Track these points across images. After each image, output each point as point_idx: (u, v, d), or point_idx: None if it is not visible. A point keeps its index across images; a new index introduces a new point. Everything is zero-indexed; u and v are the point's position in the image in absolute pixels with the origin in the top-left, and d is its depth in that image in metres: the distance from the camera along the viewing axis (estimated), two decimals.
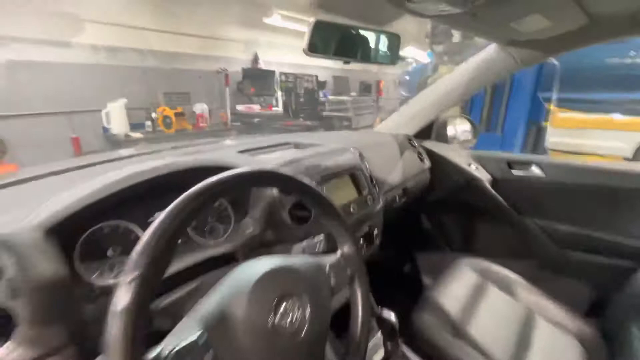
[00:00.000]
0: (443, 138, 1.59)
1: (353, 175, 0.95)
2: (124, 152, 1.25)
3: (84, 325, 0.48)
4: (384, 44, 0.75)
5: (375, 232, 0.95)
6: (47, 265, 0.45)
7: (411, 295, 1.51)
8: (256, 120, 4.54)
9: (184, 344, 0.36)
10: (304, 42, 0.62)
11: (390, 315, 0.80)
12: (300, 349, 0.45)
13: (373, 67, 8.60)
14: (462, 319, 0.97)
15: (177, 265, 0.64)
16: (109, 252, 0.60)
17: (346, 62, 0.74)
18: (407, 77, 4.47)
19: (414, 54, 5.49)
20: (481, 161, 1.44)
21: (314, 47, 0.64)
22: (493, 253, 1.42)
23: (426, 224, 1.61)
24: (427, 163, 1.42)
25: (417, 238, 1.65)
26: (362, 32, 0.68)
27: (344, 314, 0.61)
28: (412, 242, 1.65)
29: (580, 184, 1.26)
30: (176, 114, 3.99)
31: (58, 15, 3.31)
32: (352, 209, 0.88)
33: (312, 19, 0.60)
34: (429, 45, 3.48)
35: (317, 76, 4.46)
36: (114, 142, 3.69)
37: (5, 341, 0.42)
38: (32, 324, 0.42)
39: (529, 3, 0.75)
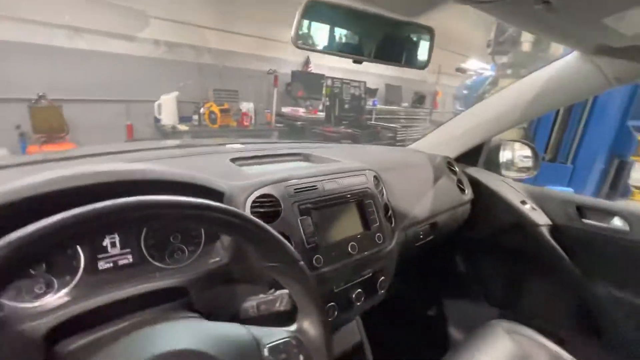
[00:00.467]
0: (494, 166, 1.31)
1: (361, 203, 0.76)
2: (169, 142, 1.19)
3: None
4: (409, 40, 0.55)
5: (382, 279, 0.75)
6: None
7: (435, 347, 1.26)
8: (299, 123, 4.48)
9: None
10: (292, 30, 0.45)
11: None
12: None
13: (431, 77, 8.14)
14: None
15: (113, 295, 0.51)
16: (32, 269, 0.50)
17: (357, 62, 0.55)
18: (465, 91, 4.06)
19: (477, 66, 5.02)
20: (540, 200, 1.14)
21: (305, 38, 0.47)
22: (542, 319, 1.11)
23: (461, 267, 1.33)
24: (469, 194, 1.16)
25: (448, 282, 1.38)
26: (376, 20, 0.50)
27: None
28: (442, 286, 1.39)
29: None
30: (222, 110, 4.08)
31: (127, 11, 3.55)
32: (350, 249, 0.68)
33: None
34: (490, 55, 3.01)
35: (365, 82, 4.26)
36: (163, 132, 3.87)
37: None
38: None
39: None
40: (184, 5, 3.92)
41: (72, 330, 0.47)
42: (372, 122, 4.90)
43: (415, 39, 0.55)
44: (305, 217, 0.64)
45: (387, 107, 6.19)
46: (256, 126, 4.55)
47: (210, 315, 0.55)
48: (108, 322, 0.50)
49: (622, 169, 3.09)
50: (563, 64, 0.93)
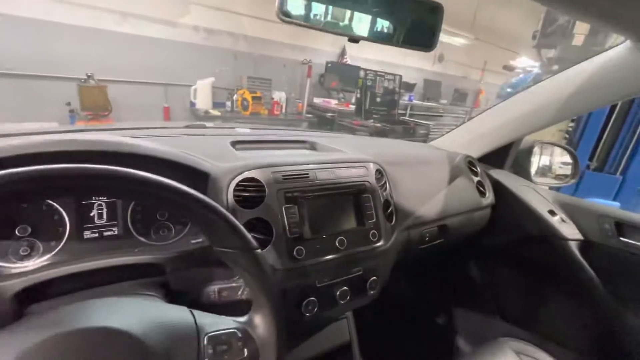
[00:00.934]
0: (523, 170, 1.19)
1: (357, 197, 0.71)
2: (179, 123, 1.22)
3: None
4: (414, 18, 0.48)
5: (373, 279, 0.70)
6: None
7: (439, 358, 1.19)
8: (329, 115, 4.42)
9: None
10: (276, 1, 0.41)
11: None
12: None
13: (475, 74, 7.67)
14: None
15: (90, 264, 0.52)
16: (18, 231, 0.52)
17: (352, 40, 0.50)
18: (509, 89, 3.74)
19: (527, 63, 4.62)
20: (572, 212, 1.02)
21: (292, 9, 0.42)
22: (559, 343, 1.00)
23: (475, 276, 1.23)
24: (490, 198, 1.06)
25: (459, 291, 1.28)
26: None
27: None
28: (452, 295, 1.30)
29: None
30: (254, 98, 4.13)
31: None
32: (337, 243, 0.64)
33: None
34: (535, 48, 2.68)
35: (401, 76, 4.09)
36: (197, 115, 4.01)
37: None
38: None
39: None
40: None
41: (43, 294, 0.48)
42: (406, 117, 4.71)
43: (420, 16, 0.49)
44: (290, 205, 0.61)
45: (423, 103, 5.93)
46: (286, 115, 4.56)
47: (181, 296, 0.54)
48: (78, 291, 0.51)
49: None
50: (612, 55, 0.80)
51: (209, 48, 4.14)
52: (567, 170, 1.21)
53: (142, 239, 0.59)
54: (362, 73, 3.93)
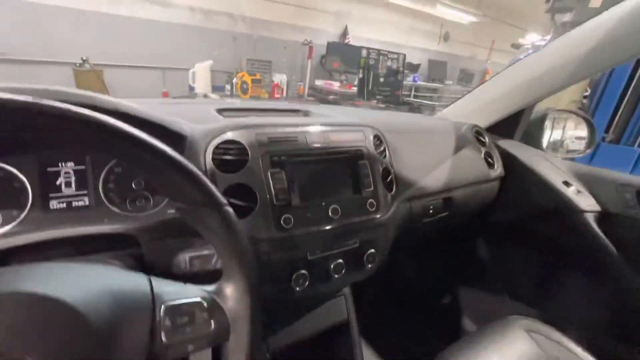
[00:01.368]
0: (535, 140, 1.11)
1: (353, 163, 0.64)
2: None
3: None
4: None
5: (370, 251, 0.64)
6: None
7: (443, 338, 1.14)
8: (330, 97, 4.31)
9: None
10: None
11: None
12: None
13: (482, 54, 7.44)
14: None
15: (53, 233, 0.47)
16: None
17: None
18: None
19: (535, 39, 4.43)
20: (589, 182, 0.94)
21: None
22: (575, 322, 0.94)
23: (482, 254, 1.17)
24: (499, 170, 0.99)
25: (466, 269, 1.23)
26: None
27: None
28: (458, 273, 1.24)
29: None
30: (253, 81, 4.04)
31: None
32: (330, 212, 0.58)
33: None
34: (549, 12, 2.50)
35: (404, 55, 3.94)
36: None
37: None
38: None
39: None
40: None
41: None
42: (410, 99, 4.58)
43: None
44: (277, 170, 0.55)
45: (428, 84, 5.77)
46: (287, 98, 4.47)
47: (152, 268, 0.49)
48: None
49: None
50: (634, 5, 0.71)
51: (207, 30, 4.03)
52: (583, 138, 1.13)
53: (116, 209, 0.53)
54: (364, 52, 3.80)
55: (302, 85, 4.70)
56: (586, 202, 0.89)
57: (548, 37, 3.34)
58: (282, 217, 0.53)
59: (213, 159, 0.52)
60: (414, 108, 3.90)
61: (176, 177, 0.29)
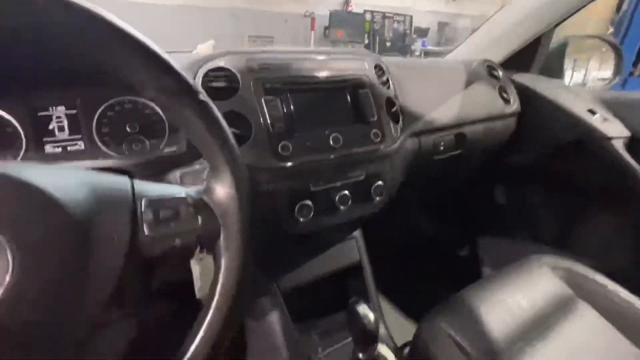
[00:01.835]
0: (554, 71, 1.03)
1: (354, 92, 0.60)
2: None
3: None
4: None
5: (378, 184, 0.60)
6: None
7: (461, 283, 1.12)
8: None
9: None
10: None
11: (364, 310, 0.50)
12: None
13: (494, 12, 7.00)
14: (513, 346, 0.58)
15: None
16: None
17: None
18: None
19: None
20: (617, 107, 0.87)
21: None
22: (607, 261, 0.89)
23: (501, 199, 1.12)
24: (515, 106, 0.92)
25: (484, 213, 1.17)
26: None
27: None
28: (476, 217, 1.19)
29: None
30: None
31: None
32: (331, 141, 0.55)
33: None
34: None
35: (411, 17, 3.75)
36: None
37: None
38: None
39: None
40: None
41: None
42: None
43: None
44: (271, 97, 0.52)
45: (436, 48, 5.49)
46: None
47: None
48: None
49: None
50: None
51: (206, 9, 3.94)
52: (609, 68, 1.04)
53: (111, 152, 0.52)
54: (368, 16, 3.62)
55: None
56: (614, 128, 0.82)
57: None
58: (280, 144, 0.50)
59: (203, 86, 0.49)
60: None
61: (148, 64, 0.27)
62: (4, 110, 0.48)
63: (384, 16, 3.50)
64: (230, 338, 0.29)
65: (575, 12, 0.86)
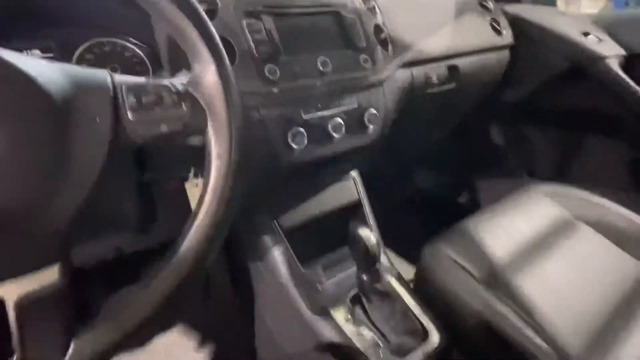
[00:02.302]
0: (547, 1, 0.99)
1: (339, 17, 0.58)
2: None
3: None
4: None
5: (371, 112, 0.59)
6: None
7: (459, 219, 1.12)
8: None
9: None
10: None
11: (364, 231, 0.50)
12: None
13: None
14: (516, 266, 0.59)
15: None
16: None
17: None
18: None
19: None
20: (612, 28, 0.84)
21: None
22: (606, 183, 0.89)
23: (496, 138, 1.11)
24: (508, 38, 0.90)
25: (481, 156, 1.17)
26: None
27: None
28: (472, 161, 1.19)
29: None
30: None
31: None
32: (320, 65, 0.53)
33: None
34: None
35: None
36: None
37: None
38: None
39: None
40: None
41: None
42: None
43: None
44: (253, 20, 0.50)
45: None
46: None
47: None
48: None
49: None
50: None
51: None
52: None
53: None
54: None
55: None
56: (608, 48, 0.80)
57: None
58: (266, 67, 0.49)
59: None
60: None
61: None
62: None
63: None
64: (229, 220, 0.29)
65: None
